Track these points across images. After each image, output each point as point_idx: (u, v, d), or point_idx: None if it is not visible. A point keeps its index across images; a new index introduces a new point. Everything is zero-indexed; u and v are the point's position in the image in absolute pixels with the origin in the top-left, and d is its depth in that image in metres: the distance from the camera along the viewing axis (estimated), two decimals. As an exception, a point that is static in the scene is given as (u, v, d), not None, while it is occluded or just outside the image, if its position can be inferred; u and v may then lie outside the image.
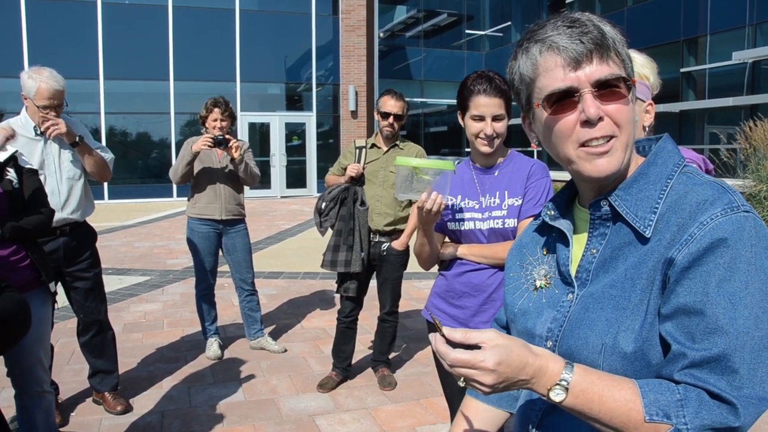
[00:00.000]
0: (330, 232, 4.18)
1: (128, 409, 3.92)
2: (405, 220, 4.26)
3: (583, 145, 1.07)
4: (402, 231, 4.23)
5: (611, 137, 1.06)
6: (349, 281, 4.23)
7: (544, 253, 1.26)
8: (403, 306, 5.06)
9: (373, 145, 4.24)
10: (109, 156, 3.98)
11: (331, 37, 19.97)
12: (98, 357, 3.94)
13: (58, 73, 3.63)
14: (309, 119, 19.56)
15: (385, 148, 4.21)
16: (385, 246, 4.22)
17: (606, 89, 1.05)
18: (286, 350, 5.04)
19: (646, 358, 1.00)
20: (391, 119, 4.10)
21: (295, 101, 20.39)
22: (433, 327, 1.04)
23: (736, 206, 0.98)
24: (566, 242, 1.18)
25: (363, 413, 3.94)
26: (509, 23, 26.51)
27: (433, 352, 2.66)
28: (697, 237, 0.97)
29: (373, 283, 4.47)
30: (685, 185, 1.05)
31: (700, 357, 0.94)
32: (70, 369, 4.55)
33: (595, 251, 1.12)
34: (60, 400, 3.98)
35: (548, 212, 1.23)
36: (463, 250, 2.45)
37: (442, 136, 26.39)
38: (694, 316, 0.95)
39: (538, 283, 1.23)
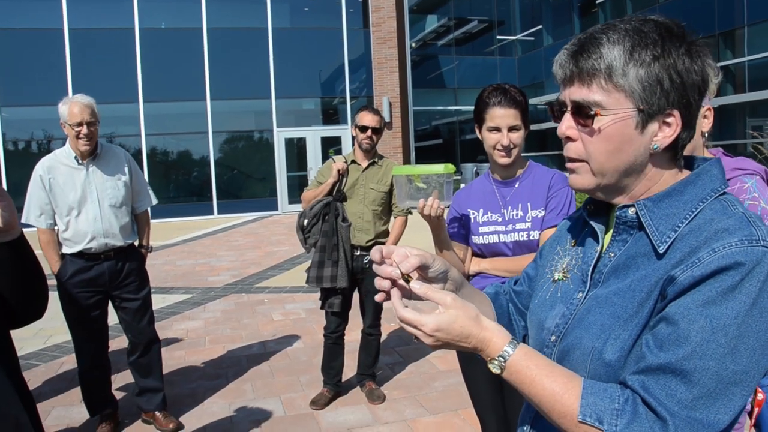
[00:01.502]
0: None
1: (180, 427, 4.02)
2: (386, 233, 4.32)
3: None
4: (383, 244, 4.23)
5: (576, 159, 1.12)
6: (334, 296, 4.23)
7: (573, 244, 1.27)
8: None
9: (353, 161, 4.28)
10: (153, 202, 4.18)
11: (363, 50, 20.13)
12: (146, 376, 4.06)
13: (92, 97, 3.79)
14: (344, 132, 19.71)
15: (363, 165, 4.26)
16: (366, 259, 4.23)
17: (581, 113, 1.08)
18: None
19: (623, 369, 1.02)
20: (369, 132, 4.16)
21: (330, 115, 20.62)
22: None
23: (756, 240, 0.95)
24: (597, 240, 1.18)
25: (401, 426, 3.97)
26: (540, 27, 26.37)
27: (462, 369, 2.69)
28: (704, 262, 0.95)
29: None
30: (714, 212, 1.03)
31: (658, 364, 0.94)
32: (115, 387, 4.69)
33: (612, 255, 1.13)
34: (119, 418, 4.12)
35: (589, 207, 1.23)
36: (485, 264, 2.47)
37: (478, 143, 26.18)
38: (669, 325, 0.96)
39: (556, 276, 1.25)
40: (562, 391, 1.00)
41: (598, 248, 1.17)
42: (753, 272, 0.92)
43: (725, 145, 17.13)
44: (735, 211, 1.02)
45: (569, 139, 1.12)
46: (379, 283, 1.14)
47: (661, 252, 1.03)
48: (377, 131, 4.19)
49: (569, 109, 1.10)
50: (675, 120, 1.06)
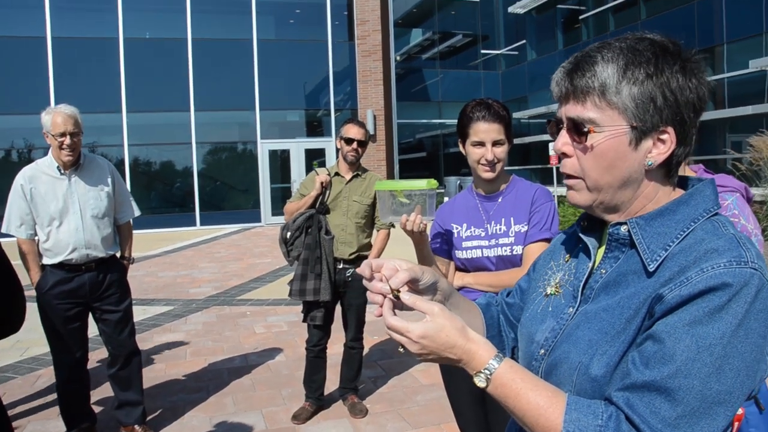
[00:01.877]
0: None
1: None
2: (369, 247, 4.32)
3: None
4: (366, 257, 4.29)
5: (573, 176, 1.13)
6: (316, 309, 4.22)
7: (566, 260, 1.27)
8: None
9: (336, 174, 4.28)
10: (135, 214, 4.17)
11: (348, 63, 20.19)
12: (125, 389, 4.00)
13: (75, 107, 3.77)
14: (328, 144, 19.72)
15: (347, 177, 4.26)
16: (349, 272, 4.24)
17: (576, 130, 1.10)
18: None
19: (608, 385, 1.02)
20: (354, 144, 4.17)
21: (314, 127, 20.62)
22: None
23: (745, 261, 0.96)
24: (589, 256, 1.20)
25: (383, 439, 3.95)
26: (524, 41, 26.60)
27: (444, 384, 2.68)
28: (692, 281, 0.96)
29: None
30: (705, 232, 1.04)
31: (642, 381, 0.95)
32: (93, 400, 4.62)
33: (604, 271, 1.14)
34: None
35: (583, 223, 1.24)
36: (468, 279, 2.47)
37: (462, 157, 26.27)
38: (656, 343, 0.96)
39: (548, 290, 1.26)
40: (546, 405, 1.00)
41: (590, 264, 1.18)
42: (740, 293, 0.93)
43: (705, 160, 17.35)
44: (726, 232, 1.03)
45: (565, 155, 1.14)
46: (372, 297, 1.17)
47: (651, 270, 1.04)
48: (362, 144, 4.20)
49: (565, 125, 1.12)
50: (669, 137, 1.07)
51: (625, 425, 0.94)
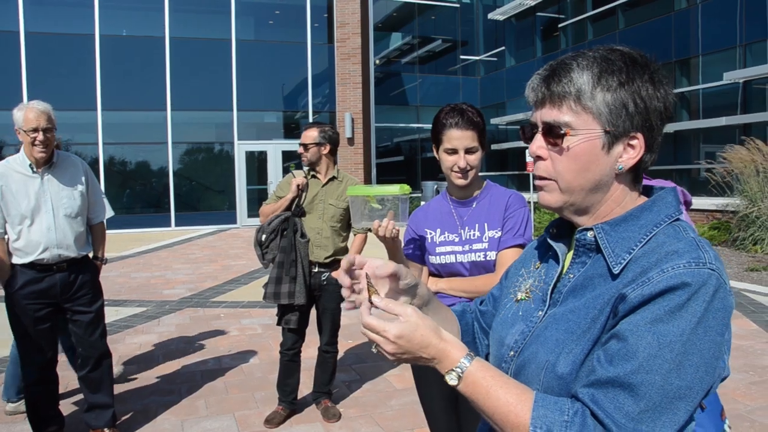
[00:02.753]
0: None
1: None
2: (345, 250, 4.31)
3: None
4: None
5: (545, 177, 1.17)
6: (291, 313, 4.20)
7: (536, 267, 1.31)
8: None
9: (314, 176, 4.28)
10: (108, 215, 4.19)
11: (327, 66, 20.16)
12: (95, 391, 3.94)
13: (48, 104, 3.72)
14: (306, 146, 19.60)
15: (323, 180, 4.26)
16: (325, 276, 4.23)
17: (551, 133, 1.14)
18: None
19: (574, 382, 1.06)
20: (300, 149, 4.23)
21: (291, 129, 20.54)
22: None
23: (703, 262, 1.01)
24: (557, 262, 1.23)
25: (356, 444, 3.93)
26: (503, 48, 26.77)
27: (418, 391, 2.68)
28: (654, 281, 1.00)
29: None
30: (666, 236, 1.09)
31: (607, 377, 0.99)
32: (63, 403, 4.55)
33: (572, 276, 1.18)
34: None
35: (552, 230, 1.28)
36: (442, 284, 2.47)
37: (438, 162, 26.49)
38: (619, 341, 1.00)
39: (519, 296, 1.29)
40: (515, 402, 1.03)
41: (559, 269, 1.22)
42: (699, 293, 0.98)
43: (678, 170, 17.59)
44: (686, 235, 1.08)
45: (540, 158, 1.17)
46: (346, 293, 1.22)
47: (615, 273, 1.09)
48: (306, 147, 4.20)
49: (540, 129, 1.16)
50: (639, 142, 1.13)
51: (590, 420, 0.98)
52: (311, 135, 4.19)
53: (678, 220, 1.13)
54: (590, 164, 1.12)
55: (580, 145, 1.12)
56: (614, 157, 1.12)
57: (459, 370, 1.07)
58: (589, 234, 1.16)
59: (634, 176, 1.17)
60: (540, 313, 1.20)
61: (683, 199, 2.16)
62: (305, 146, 4.20)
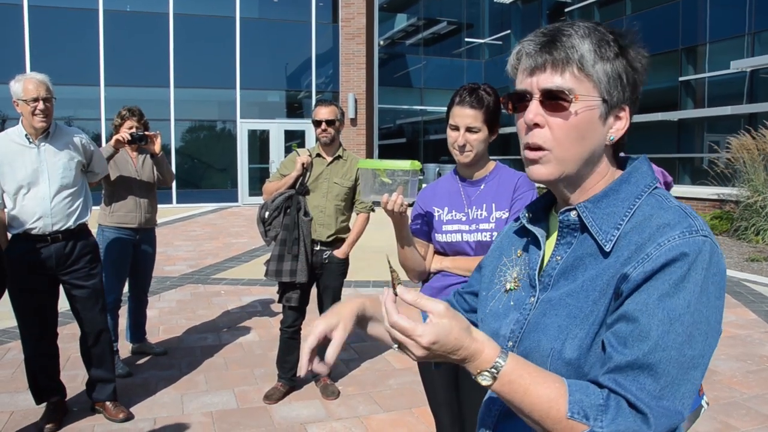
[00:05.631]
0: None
1: (130, 417, 3.93)
2: (347, 229, 4.33)
3: (526, 147, 1.15)
4: (344, 240, 4.30)
5: (540, 148, 1.12)
6: (292, 291, 4.21)
7: (519, 254, 1.29)
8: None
9: (318, 155, 4.26)
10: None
11: (331, 45, 20.04)
12: (97, 366, 3.95)
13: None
14: (308, 126, 19.54)
15: (328, 159, 4.25)
16: (327, 254, 4.25)
17: (553, 100, 1.10)
18: (166, 352, 5.14)
19: (583, 366, 1.06)
20: (323, 125, 4.16)
21: (294, 108, 20.48)
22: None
23: (695, 230, 1.02)
24: (538, 246, 1.23)
25: (355, 422, 3.96)
26: (509, 31, 26.58)
27: (419, 365, 2.69)
28: (653, 257, 1.01)
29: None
30: (651, 207, 1.09)
31: (626, 361, 0.99)
32: (65, 375, 4.57)
33: (559, 258, 1.17)
34: (68, 407, 4.02)
35: (527, 215, 1.28)
36: (447, 263, 2.47)
37: (442, 144, 26.33)
38: (630, 323, 1.00)
39: (508, 286, 1.27)
40: (556, 397, 0.99)
41: (541, 253, 1.22)
42: (697, 261, 1.00)
43: (682, 158, 17.54)
44: (670, 204, 1.09)
45: (537, 125, 1.13)
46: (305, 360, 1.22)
47: (607, 251, 1.09)
48: (331, 123, 4.17)
49: (538, 96, 1.12)
50: (625, 114, 1.14)
51: (624, 404, 0.98)
52: (334, 111, 4.18)
53: (656, 188, 1.14)
54: (588, 132, 1.11)
55: (583, 113, 1.10)
56: (607, 128, 1.13)
57: (494, 370, 1.01)
58: (572, 214, 1.15)
59: (615, 149, 1.18)
60: (532, 299, 1.19)
61: (663, 179, 2.15)
62: (331, 122, 4.17)
